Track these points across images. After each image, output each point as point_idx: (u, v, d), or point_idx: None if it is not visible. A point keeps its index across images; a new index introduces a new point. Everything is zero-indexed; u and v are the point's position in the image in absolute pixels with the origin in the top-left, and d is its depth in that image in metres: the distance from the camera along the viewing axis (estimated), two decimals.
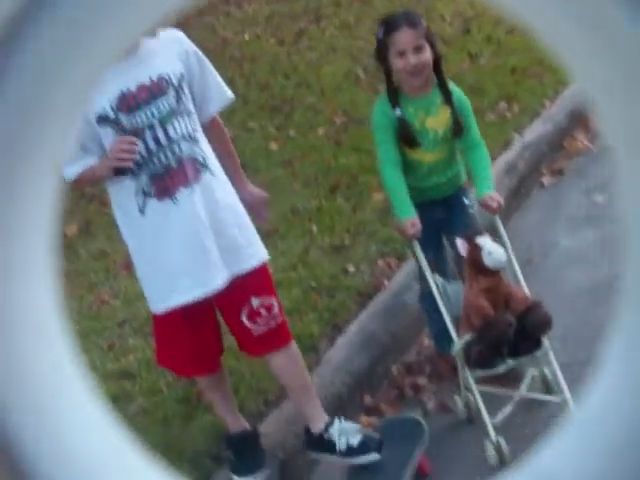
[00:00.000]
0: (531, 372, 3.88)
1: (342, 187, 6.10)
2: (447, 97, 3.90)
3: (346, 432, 3.51)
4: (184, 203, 3.26)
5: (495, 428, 3.60)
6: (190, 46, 3.41)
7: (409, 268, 4.74)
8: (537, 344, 3.65)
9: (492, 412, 3.67)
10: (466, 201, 4.08)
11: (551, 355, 3.68)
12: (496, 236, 3.80)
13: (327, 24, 11.01)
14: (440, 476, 3.59)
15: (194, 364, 3.57)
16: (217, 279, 3.31)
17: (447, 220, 4.04)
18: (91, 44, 0.77)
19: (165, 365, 3.73)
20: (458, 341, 3.67)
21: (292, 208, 5.83)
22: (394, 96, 3.90)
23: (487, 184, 3.89)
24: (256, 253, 3.44)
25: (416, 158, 3.93)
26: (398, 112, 3.86)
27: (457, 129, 3.92)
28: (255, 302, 3.41)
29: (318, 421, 3.55)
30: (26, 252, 0.84)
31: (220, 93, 3.51)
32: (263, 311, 3.41)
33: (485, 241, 3.62)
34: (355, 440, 3.49)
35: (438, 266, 3.91)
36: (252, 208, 3.56)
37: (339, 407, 4.02)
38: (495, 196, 3.84)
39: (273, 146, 7.19)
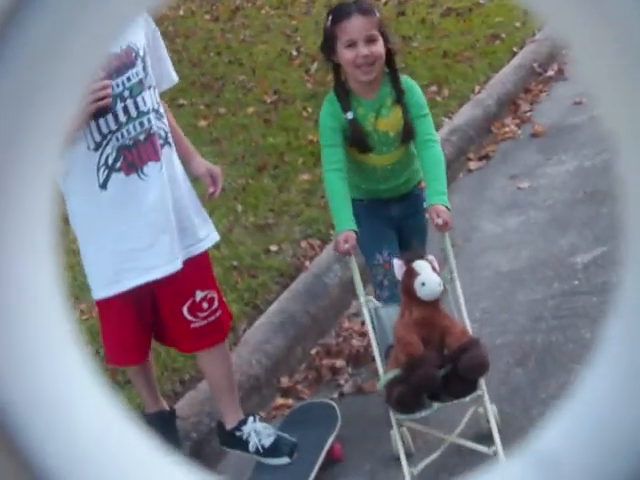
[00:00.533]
0: (470, 414, 3.45)
1: (269, 167, 6.07)
2: (399, 96, 3.58)
3: (259, 433, 3.48)
4: (153, 178, 3.13)
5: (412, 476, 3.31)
6: (152, 22, 3.31)
7: (332, 250, 4.74)
8: (471, 387, 3.25)
9: (426, 452, 3.44)
10: (424, 203, 3.69)
11: (486, 400, 3.29)
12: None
13: (263, 3, 10.96)
14: (353, 458, 3.59)
15: (129, 353, 3.43)
16: (179, 260, 3.20)
17: (403, 219, 3.79)
18: (84, 33, 0.76)
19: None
20: (384, 376, 3.34)
21: None
22: (345, 97, 3.57)
23: (437, 194, 3.50)
24: (210, 233, 3.38)
25: (369, 162, 3.66)
26: (350, 115, 3.54)
27: (407, 133, 3.60)
28: (199, 295, 3.32)
29: (232, 418, 3.52)
30: (27, 241, 0.83)
31: (169, 72, 3.43)
32: (205, 305, 3.34)
33: (422, 268, 3.27)
34: (267, 441, 3.47)
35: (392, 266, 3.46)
36: (206, 180, 3.46)
37: (256, 388, 4.01)
38: (441, 212, 3.43)
39: (202, 123, 7.14)
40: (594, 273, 4.50)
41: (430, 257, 3.35)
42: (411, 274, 3.27)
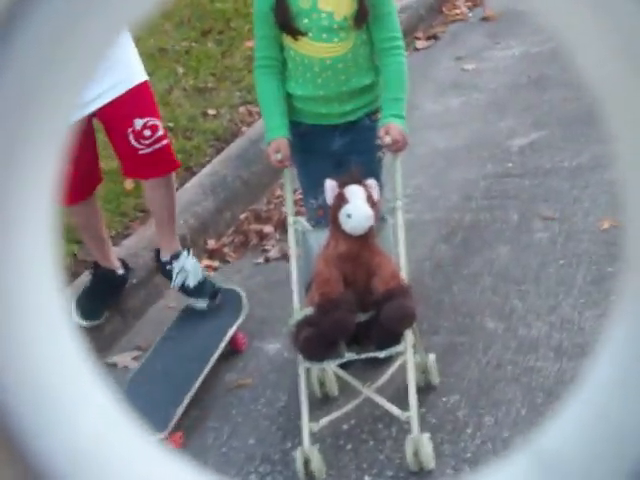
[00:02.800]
0: (396, 366, 2.93)
1: (214, 31, 5.97)
2: None
3: (186, 271, 3.54)
4: None
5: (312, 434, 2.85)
6: None
7: None
8: (393, 339, 2.80)
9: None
10: (377, 139, 3.05)
11: (409, 357, 2.81)
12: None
13: None
14: (277, 322, 3.60)
15: (74, 189, 3.35)
16: (115, 89, 3.28)
17: (346, 154, 3.14)
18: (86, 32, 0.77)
19: None
20: (296, 312, 2.92)
21: (160, 48, 5.68)
22: None
23: (392, 112, 3.00)
24: (141, 70, 3.41)
25: (303, 52, 3.02)
26: None
27: (359, 16, 2.97)
28: (139, 123, 3.34)
29: (167, 250, 3.57)
30: (26, 234, 0.83)
31: None
32: (147, 132, 3.36)
33: (354, 195, 2.81)
34: (191, 282, 3.54)
35: (328, 212, 3.00)
36: None
37: (182, 248, 3.99)
38: (393, 129, 2.95)
39: None
40: (529, 157, 4.51)
41: (370, 182, 2.88)
42: (341, 200, 2.82)
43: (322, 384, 3.09)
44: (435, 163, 4.62)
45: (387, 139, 2.95)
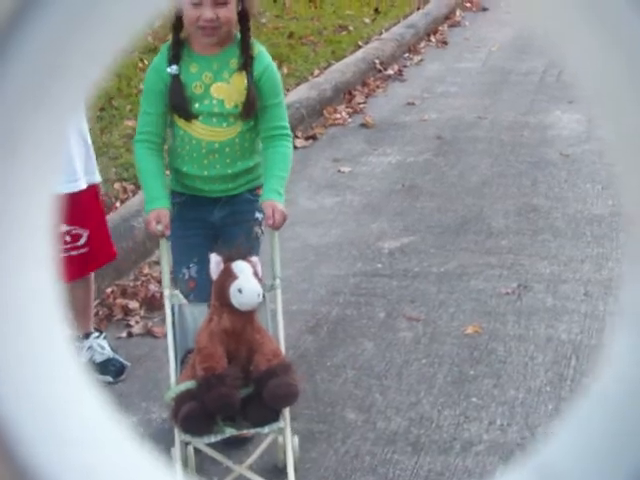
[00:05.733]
0: (267, 443, 2.98)
1: (95, 108, 5.94)
2: (247, 61, 3.07)
3: (93, 349, 3.66)
4: None
5: None
6: None
7: (142, 197, 4.67)
8: (273, 416, 2.79)
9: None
10: (257, 213, 3.17)
11: (288, 433, 2.82)
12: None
13: None
14: (131, 395, 3.53)
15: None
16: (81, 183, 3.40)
17: (225, 226, 3.20)
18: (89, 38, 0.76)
19: None
20: (174, 387, 2.85)
21: None
22: (177, 48, 3.07)
23: (274, 188, 3.05)
24: (96, 168, 3.58)
25: (193, 133, 3.09)
26: (174, 69, 3.04)
27: (248, 107, 3.06)
28: (63, 228, 3.41)
29: (80, 330, 3.68)
30: (25, 235, 0.83)
31: None
32: (68, 238, 3.46)
33: (242, 271, 2.78)
34: (98, 358, 3.65)
35: (199, 285, 3.11)
36: None
37: None
38: (276, 209, 3.00)
39: None
40: (398, 259, 4.58)
41: (254, 259, 2.88)
42: (228, 276, 2.78)
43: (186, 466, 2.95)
44: (306, 258, 4.65)
45: (269, 220, 2.99)
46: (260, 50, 3.12)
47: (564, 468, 0.90)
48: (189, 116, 3.05)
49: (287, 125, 3.17)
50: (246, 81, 3.05)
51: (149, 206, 3.04)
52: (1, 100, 0.73)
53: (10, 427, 0.79)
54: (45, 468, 0.80)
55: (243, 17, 3.07)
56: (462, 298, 4.14)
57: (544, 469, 0.92)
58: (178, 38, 3.08)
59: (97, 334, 3.70)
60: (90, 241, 3.54)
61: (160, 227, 2.97)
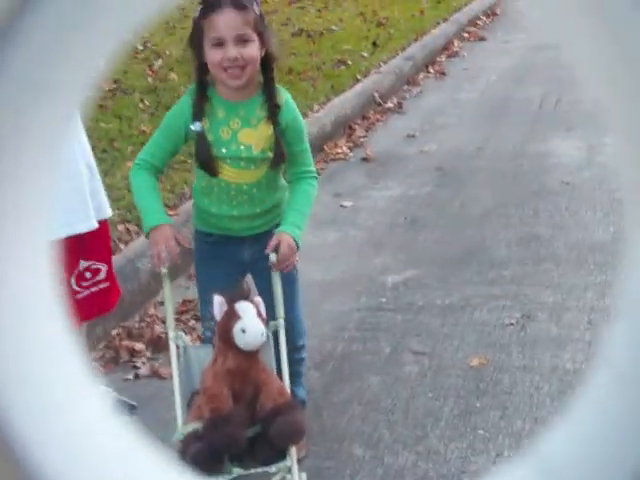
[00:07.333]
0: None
1: (97, 150, 5.97)
2: (272, 111, 3.04)
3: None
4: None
5: None
6: None
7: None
8: (280, 454, 2.80)
9: None
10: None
11: (295, 471, 2.81)
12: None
13: None
14: (144, 437, 3.54)
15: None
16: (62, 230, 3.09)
17: (255, 262, 3.18)
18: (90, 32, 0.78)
19: None
20: (182, 428, 2.86)
21: None
22: (200, 101, 3.03)
23: (290, 221, 3.06)
24: (106, 203, 3.35)
25: (221, 176, 3.08)
26: (197, 126, 3.02)
27: (277, 157, 3.07)
28: (83, 265, 3.28)
29: None
30: (23, 235, 0.83)
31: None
32: (88, 274, 3.32)
33: (246, 312, 2.79)
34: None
35: None
36: None
37: None
38: (284, 243, 3.01)
39: None
40: (402, 293, 4.60)
41: (257, 299, 2.90)
42: (231, 317, 2.79)
43: None
44: (309, 294, 4.65)
45: (272, 257, 2.98)
46: (287, 99, 3.11)
47: (564, 465, 0.91)
48: (214, 174, 3.06)
49: (313, 169, 3.22)
50: (272, 130, 3.05)
51: (149, 222, 3.00)
52: (1, 96, 0.74)
53: (11, 426, 0.79)
54: (48, 466, 0.80)
55: (266, 62, 3.03)
56: (466, 330, 4.17)
57: (544, 465, 0.93)
58: (203, 91, 3.05)
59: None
60: (109, 275, 3.42)
61: (165, 270, 2.98)
